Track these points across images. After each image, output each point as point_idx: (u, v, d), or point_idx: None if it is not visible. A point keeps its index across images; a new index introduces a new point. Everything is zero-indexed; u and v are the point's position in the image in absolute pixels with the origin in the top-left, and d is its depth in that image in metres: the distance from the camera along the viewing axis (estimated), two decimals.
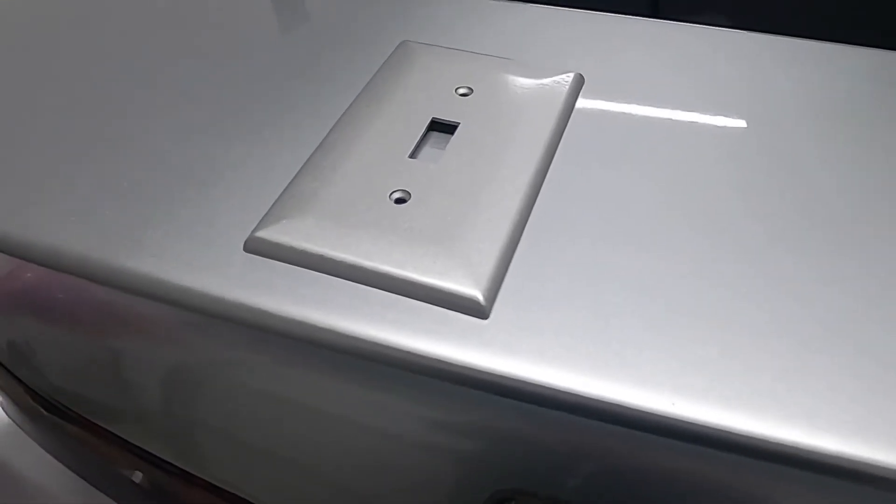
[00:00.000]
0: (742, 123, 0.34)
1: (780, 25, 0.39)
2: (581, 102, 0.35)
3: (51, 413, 0.40)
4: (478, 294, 0.26)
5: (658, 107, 0.35)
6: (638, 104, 0.36)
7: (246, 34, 0.42)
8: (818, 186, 0.31)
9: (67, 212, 0.31)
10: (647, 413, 0.24)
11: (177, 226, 0.30)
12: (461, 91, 0.35)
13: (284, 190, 0.31)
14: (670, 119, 0.35)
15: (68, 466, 0.45)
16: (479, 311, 0.26)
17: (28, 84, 0.39)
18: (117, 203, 0.31)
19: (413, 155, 0.32)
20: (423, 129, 0.33)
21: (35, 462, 0.46)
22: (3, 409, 0.46)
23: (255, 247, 0.28)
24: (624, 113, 0.35)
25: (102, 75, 0.39)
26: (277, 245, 0.28)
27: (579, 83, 0.36)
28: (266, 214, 0.29)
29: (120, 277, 0.29)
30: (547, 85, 0.35)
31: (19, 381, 0.40)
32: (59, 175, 0.32)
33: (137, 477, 0.40)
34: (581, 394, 0.24)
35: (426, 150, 0.33)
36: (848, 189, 0.31)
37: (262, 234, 0.28)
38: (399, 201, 0.30)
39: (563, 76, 0.36)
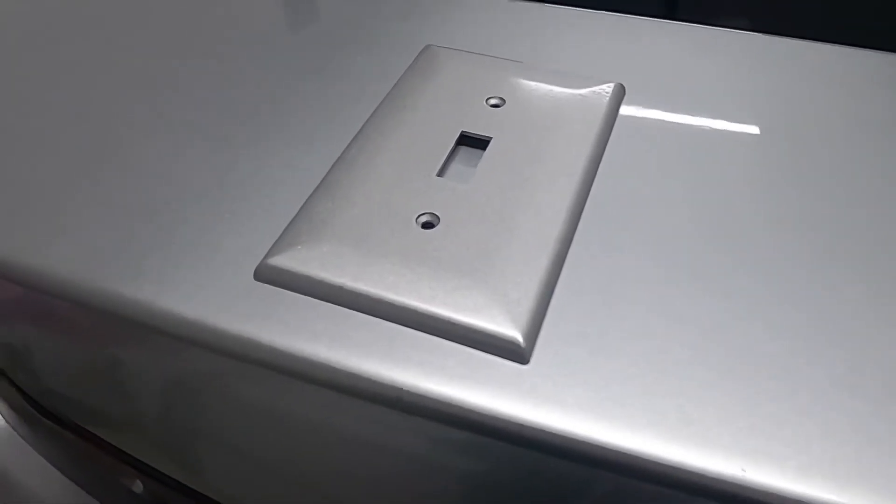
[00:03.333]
0: (790, 133, 0.31)
1: (798, 27, 0.37)
2: (623, 115, 0.32)
3: (49, 420, 0.38)
4: (517, 335, 0.23)
5: (705, 118, 0.32)
6: (684, 117, 0.32)
7: (255, 38, 0.39)
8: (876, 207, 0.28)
9: (58, 231, 0.28)
10: (711, 479, 0.21)
11: (180, 249, 0.27)
12: (492, 101, 0.32)
13: (299, 211, 0.28)
14: (719, 132, 0.32)
15: (66, 474, 0.44)
16: (518, 354, 0.23)
17: (20, 89, 0.36)
18: (114, 222, 0.28)
19: (441, 173, 0.29)
20: (452, 144, 0.30)
21: (33, 469, 0.45)
22: (2, 415, 0.44)
23: (267, 275, 0.25)
24: (670, 126, 0.32)
25: (100, 80, 0.36)
26: (291, 274, 0.25)
27: (620, 94, 0.33)
28: (278, 239, 0.27)
29: (117, 305, 0.26)
30: (586, 96, 0.32)
31: (18, 388, 0.38)
32: (50, 190, 0.30)
33: (138, 487, 0.38)
34: (635, 454, 0.21)
35: (455, 167, 0.30)
36: None
37: (274, 261, 0.26)
38: (426, 226, 0.27)
39: (604, 86, 0.33)
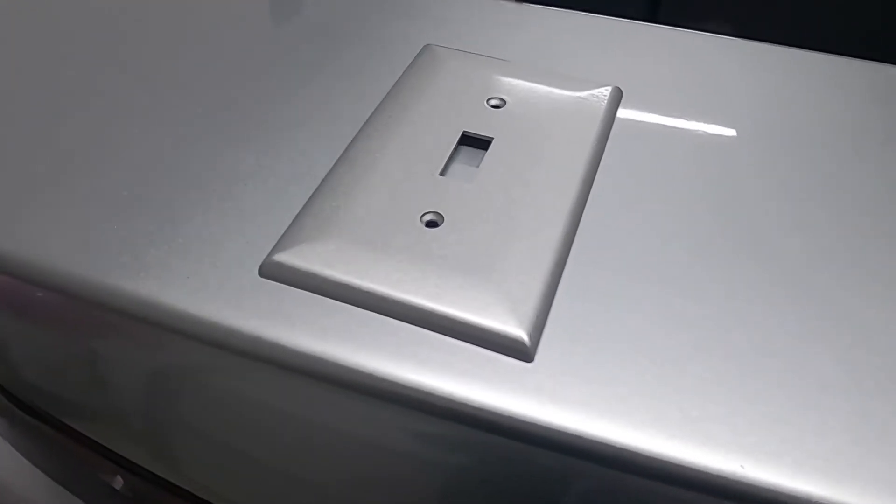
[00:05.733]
0: (790, 138, 0.32)
1: (783, 34, 0.38)
2: (621, 118, 0.33)
3: (29, 416, 0.37)
4: (522, 334, 0.23)
5: (701, 122, 0.33)
6: (680, 119, 0.33)
7: (257, 35, 0.39)
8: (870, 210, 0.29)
9: (59, 225, 0.28)
10: (711, 475, 0.21)
11: (183, 244, 0.27)
12: (493, 102, 0.33)
13: (303, 207, 0.28)
14: (716, 135, 0.32)
15: (46, 471, 0.43)
16: (523, 353, 0.23)
17: (20, 83, 0.35)
18: (116, 216, 0.28)
19: (443, 172, 0.29)
20: (454, 144, 0.30)
21: (12, 466, 0.44)
22: None
23: (272, 272, 0.26)
24: (667, 129, 0.33)
25: (101, 75, 0.35)
26: (296, 270, 0.25)
27: (618, 97, 0.34)
28: (283, 235, 0.27)
29: (120, 301, 0.26)
30: (585, 98, 0.33)
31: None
32: (51, 184, 0.29)
33: (118, 483, 0.38)
34: (638, 451, 0.22)
35: (457, 166, 0.31)
36: None
37: (280, 257, 0.26)
38: (430, 224, 0.27)
39: (602, 89, 0.33)
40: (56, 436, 0.37)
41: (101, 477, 0.38)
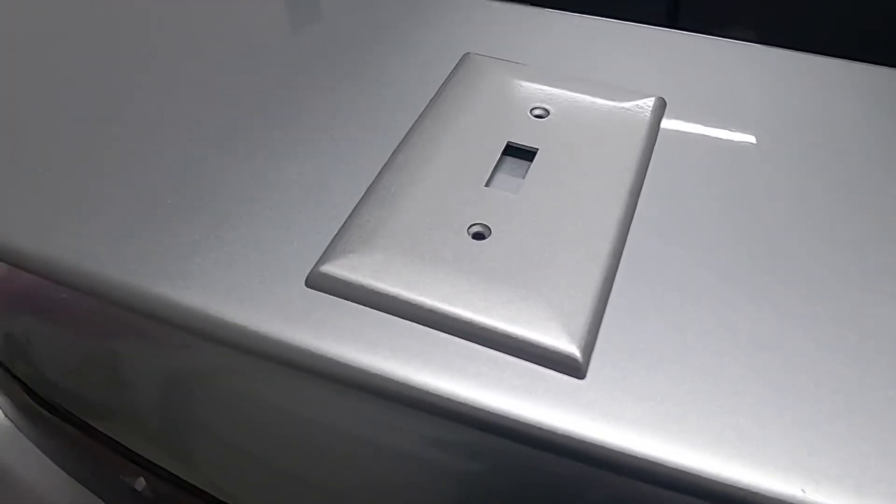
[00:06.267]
0: (830, 146, 0.31)
1: (801, 39, 0.37)
2: (665, 128, 0.32)
3: (52, 415, 0.38)
4: (574, 350, 0.23)
5: (745, 132, 0.32)
6: (723, 129, 0.33)
7: (298, 44, 0.39)
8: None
9: (104, 231, 0.28)
10: (771, 499, 0.21)
11: (228, 253, 0.27)
12: (536, 112, 0.32)
13: (348, 218, 0.28)
14: (759, 145, 0.32)
15: (67, 471, 0.43)
16: (575, 369, 0.23)
17: (66, 89, 0.36)
18: (161, 224, 0.28)
19: (488, 183, 0.29)
20: (499, 154, 0.30)
21: (35, 466, 0.44)
22: (2, 411, 0.44)
23: (319, 282, 0.25)
24: (711, 140, 0.32)
25: (147, 81, 0.36)
26: (344, 282, 0.25)
27: (662, 107, 0.33)
28: (329, 245, 0.26)
29: (161, 309, 0.26)
30: (629, 109, 0.33)
31: (20, 381, 0.38)
32: (92, 189, 0.29)
33: (140, 484, 0.38)
34: (694, 472, 0.21)
35: (502, 177, 0.30)
36: None
37: (326, 268, 0.26)
38: (477, 236, 0.27)
39: (646, 100, 0.33)
40: (79, 436, 0.37)
41: (123, 478, 0.38)
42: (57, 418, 0.38)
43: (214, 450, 0.32)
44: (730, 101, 0.34)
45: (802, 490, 0.21)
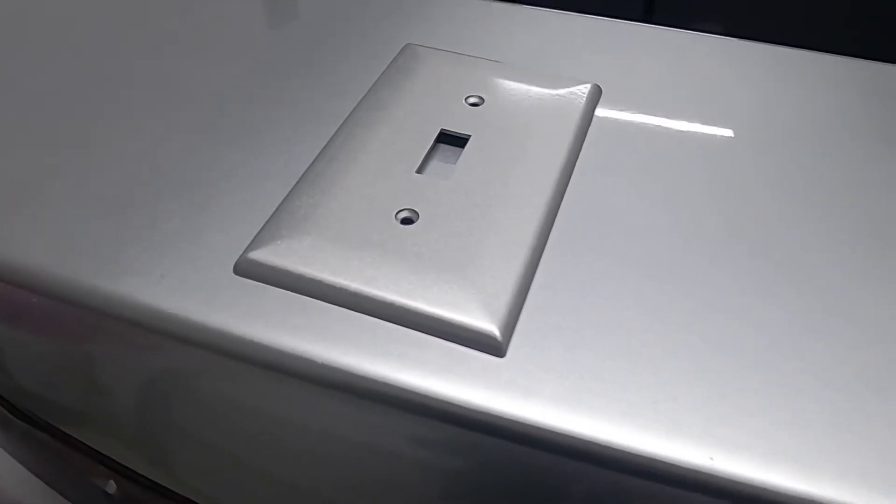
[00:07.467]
0: (764, 136, 0.32)
1: (772, 32, 0.38)
2: (599, 115, 0.33)
3: (22, 421, 0.37)
4: (494, 329, 0.24)
5: (680, 120, 0.33)
6: (659, 118, 0.33)
7: (237, 34, 0.39)
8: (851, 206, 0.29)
9: (35, 224, 0.28)
10: (681, 468, 0.21)
11: (159, 242, 0.27)
12: (471, 100, 0.33)
13: (279, 205, 0.28)
14: (694, 133, 0.32)
15: (37, 474, 0.43)
16: (495, 348, 0.23)
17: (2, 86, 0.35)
18: (92, 216, 0.28)
19: (420, 170, 0.29)
20: (432, 142, 0.31)
21: (3, 469, 0.44)
22: None
23: (247, 269, 0.26)
24: (645, 128, 0.33)
25: (79, 76, 0.35)
26: (271, 268, 0.25)
27: (596, 94, 0.34)
28: (259, 233, 0.27)
29: (94, 299, 0.26)
30: (563, 96, 0.33)
31: None
32: (28, 183, 0.29)
33: (111, 487, 0.38)
34: (611, 445, 0.22)
35: (434, 164, 0.31)
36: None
37: (254, 255, 0.26)
38: (406, 221, 0.27)
39: (580, 87, 0.34)
40: (48, 440, 0.37)
41: (93, 481, 0.38)
42: (23, 422, 0.38)
43: (171, 445, 0.32)
44: (673, 89, 0.35)
45: (710, 458, 0.21)
